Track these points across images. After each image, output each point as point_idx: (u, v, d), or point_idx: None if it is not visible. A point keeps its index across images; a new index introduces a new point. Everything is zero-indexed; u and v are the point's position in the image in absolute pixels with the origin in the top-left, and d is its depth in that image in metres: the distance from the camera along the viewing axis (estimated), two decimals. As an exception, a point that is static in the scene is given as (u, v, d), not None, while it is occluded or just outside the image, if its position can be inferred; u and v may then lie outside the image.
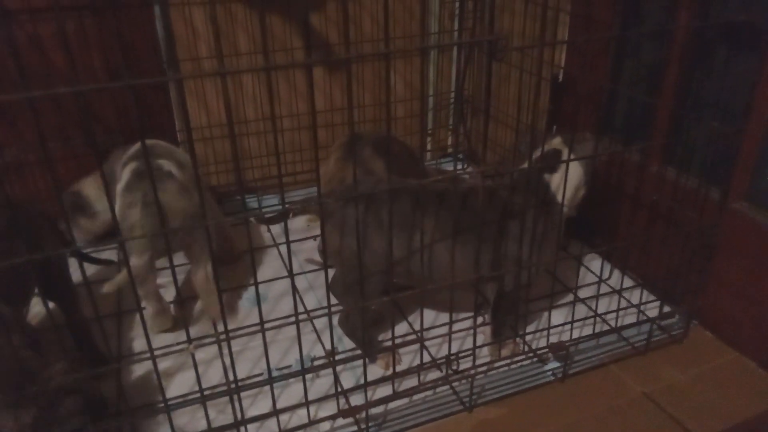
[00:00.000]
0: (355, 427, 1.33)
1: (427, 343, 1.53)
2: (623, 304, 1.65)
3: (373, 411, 1.34)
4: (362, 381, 1.27)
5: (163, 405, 1.14)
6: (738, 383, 1.45)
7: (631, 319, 1.61)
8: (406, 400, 1.40)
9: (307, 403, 1.24)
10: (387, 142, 1.70)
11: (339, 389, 1.34)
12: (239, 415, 1.18)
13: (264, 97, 2.15)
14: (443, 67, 2.46)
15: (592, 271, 1.82)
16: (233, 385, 1.16)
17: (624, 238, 1.82)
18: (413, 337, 1.55)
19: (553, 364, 1.50)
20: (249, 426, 1.24)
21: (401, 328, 1.63)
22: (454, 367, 1.36)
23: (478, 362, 1.37)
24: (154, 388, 1.44)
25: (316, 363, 1.51)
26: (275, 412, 1.22)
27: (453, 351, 1.35)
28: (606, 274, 1.77)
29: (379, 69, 2.32)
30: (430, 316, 1.66)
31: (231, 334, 1.07)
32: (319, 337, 1.59)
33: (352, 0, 2.19)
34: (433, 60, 2.43)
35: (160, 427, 1.33)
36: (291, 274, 1.13)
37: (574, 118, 1.86)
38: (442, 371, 1.39)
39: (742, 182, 1.48)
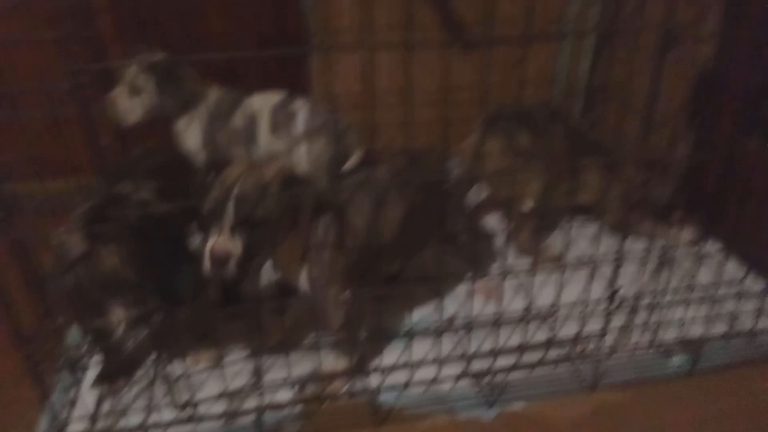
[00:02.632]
0: (477, 390, 1.39)
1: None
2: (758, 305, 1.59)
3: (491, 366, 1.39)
4: (484, 347, 1.32)
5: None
6: None
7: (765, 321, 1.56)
8: (526, 373, 1.44)
9: (439, 361, 1.31)
10: (532, 114, 1.73)
11: (463, 352, 1.41)
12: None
13: (398, 72, 2.22)
14: (576, 53, 2.42)
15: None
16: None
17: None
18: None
19: (680, 358, 1.48)
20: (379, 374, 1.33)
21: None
22: (582, 348, 1.39)
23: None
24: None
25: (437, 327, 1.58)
26: (409, 365, 1.30)
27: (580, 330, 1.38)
28: (734, 271, 1.72)
29: (512, 52, 2.32)
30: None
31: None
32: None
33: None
34: (566, 47, 2.41)
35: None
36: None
37: (718, 114, 1.80)
38: (566, 349, 1.42)
39: None
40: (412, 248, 1.49)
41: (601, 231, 1.90)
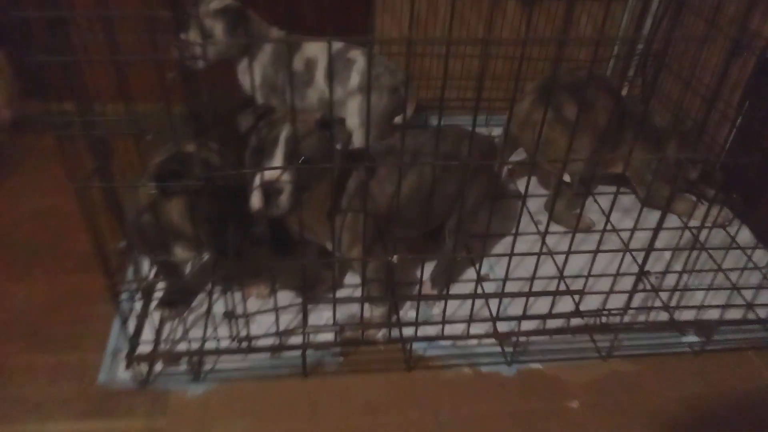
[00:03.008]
0: (499, 350, 1.53)
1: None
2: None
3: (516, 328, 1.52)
4: (508, 310, 1.44)
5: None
6: None
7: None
8: (547, 337, 1.56)
9: (468, 321, 1.44)
10: (584, 86, 1.76)
11: (491, 314, 1.53)
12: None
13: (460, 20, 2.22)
14: (636, 13, 2.38)
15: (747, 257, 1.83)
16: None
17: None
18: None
19: (691, 338, 1.59)
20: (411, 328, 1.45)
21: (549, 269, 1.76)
22: (602, 321, 1.50)
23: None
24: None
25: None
26: (443, 321, 1.42)
27: (602, 303, 1.48)
28: (759, 259, 1.79)
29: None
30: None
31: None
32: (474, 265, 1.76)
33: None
34: (629, 6, 2.36)
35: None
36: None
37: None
38: (584, 320, 1.53)
39: None
40: (429, 218, 1.54)
41: (636, 204, 1.97)
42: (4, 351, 1.47)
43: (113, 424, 1.32)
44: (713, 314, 1.60)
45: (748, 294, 1.66)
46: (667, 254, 1.80)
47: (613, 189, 2.05)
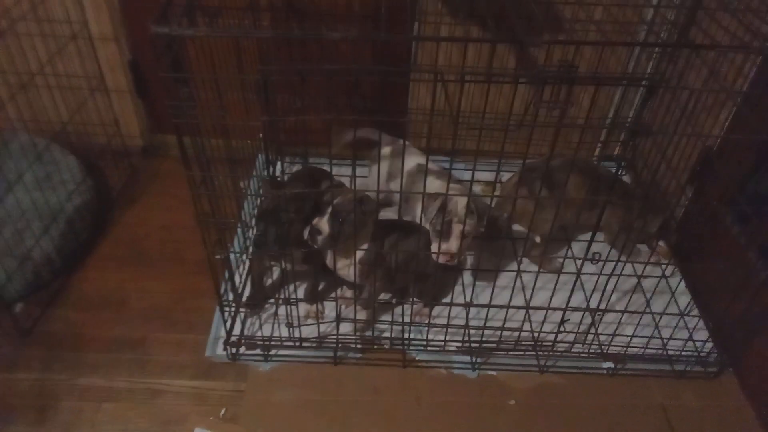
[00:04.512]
0: (468, 359, 2.20)
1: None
2: (682, 324, 2.23)
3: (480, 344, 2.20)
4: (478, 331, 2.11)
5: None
6: (732, 420, 2.07)
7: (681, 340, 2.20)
8: (503, 352, 2.22)
9: (444, 340, 2.13)
10: (554, 172, 2.37)
11: (463, 334, 2.21)
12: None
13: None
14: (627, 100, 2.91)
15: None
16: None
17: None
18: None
19: (609, 364, 2.21)
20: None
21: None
22: (542, 344, 2.15)
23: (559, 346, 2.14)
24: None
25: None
26: (426, 340, 2.12)
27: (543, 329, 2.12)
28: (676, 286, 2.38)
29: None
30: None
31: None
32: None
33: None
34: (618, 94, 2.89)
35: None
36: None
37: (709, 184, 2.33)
38: (531, 343, 2.18)
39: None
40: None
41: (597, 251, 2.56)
42: (145, 329, 2.29)
43: (213, 384, 2.12)
44: (635, 348, 2.20)
45: (666, 333, 2.25)
46: (614, 295, 2.40)
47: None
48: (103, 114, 2.89)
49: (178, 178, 2.99)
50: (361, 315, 2.20)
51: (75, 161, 2.71)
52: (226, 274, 2.08)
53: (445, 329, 2.13)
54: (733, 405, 2.13)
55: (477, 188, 2.90)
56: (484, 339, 2.17)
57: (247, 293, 2.37)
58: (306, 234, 1.98)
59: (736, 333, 2.14)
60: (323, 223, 1.95)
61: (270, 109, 2.42)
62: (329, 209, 1.96)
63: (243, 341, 2.20)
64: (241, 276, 2.41)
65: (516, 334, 2.15)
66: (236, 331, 2.23)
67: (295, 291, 2.28)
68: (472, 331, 2.22)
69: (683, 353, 2.20)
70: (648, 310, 2.23)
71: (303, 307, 2.29)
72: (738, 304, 2.06)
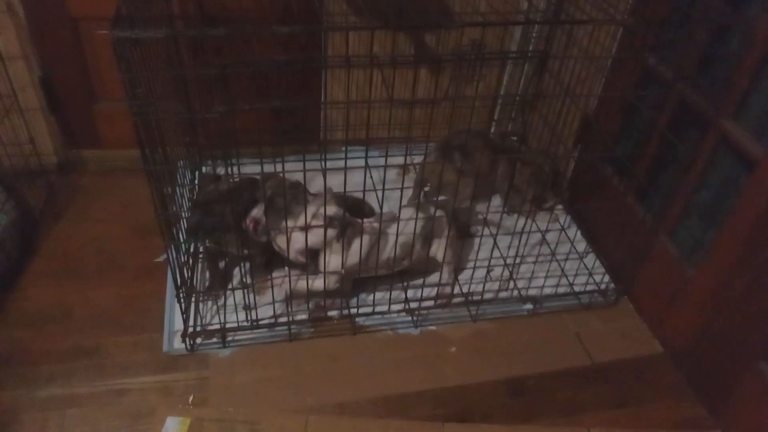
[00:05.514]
0: (410, 318, 2.45)
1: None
2: (583, 266, 2.63)
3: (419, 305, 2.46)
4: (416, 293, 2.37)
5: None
6: (633, 336, 2.49)
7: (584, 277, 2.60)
8: (440, 309, 2.50)
9: (389, 303, 2.37)
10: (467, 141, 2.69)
11: (405, 295, 2.46)
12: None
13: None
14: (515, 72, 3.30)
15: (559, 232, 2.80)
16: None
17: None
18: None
19: (529, 305, 2.56)
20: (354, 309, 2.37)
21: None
22: (472, 297, 2.45)
23: (486, 296, 2.45)
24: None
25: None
26: (373, 304, 2.35)
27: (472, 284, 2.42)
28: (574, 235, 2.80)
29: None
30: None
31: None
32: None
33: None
34: (509, 69, 3.28)
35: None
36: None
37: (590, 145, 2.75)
38: (463, 297, 2.48)
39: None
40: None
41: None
42: (97, 336, 2.33)
43: (177, 375, 2.21)
44: (548, 289, 2.56)
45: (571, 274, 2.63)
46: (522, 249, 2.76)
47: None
48: (19, 133, 2.85)
49: (101, 192, 3.00)
50: (318, 284, 2.34)
51: (-6, 183, 2.66)
52: (183, 269, 2.19)
53: (389, 292, 2.37)
54: (631, 324, 2.55)
55: (392, 173, 3.17)
56: (422, 298, 2.43)
57: (206, 282, 2.51)
58: (245, 225, 2.16)
59: (626, 265, 2.55)
60: (259, 213, 2.16)
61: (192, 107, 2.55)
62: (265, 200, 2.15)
63: (200, 331, 2.31)
64: (190, 267, 2.51)
65: (447, 290, 2.44)
66: (191, 322, 2.33)
67: (248, 274, 2.41)
68: (410, 293, 2.48)
69: (587, 288, 2.59)
70: (554, 257, 2.60)
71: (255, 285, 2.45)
72: (624, 241, 2.48)
